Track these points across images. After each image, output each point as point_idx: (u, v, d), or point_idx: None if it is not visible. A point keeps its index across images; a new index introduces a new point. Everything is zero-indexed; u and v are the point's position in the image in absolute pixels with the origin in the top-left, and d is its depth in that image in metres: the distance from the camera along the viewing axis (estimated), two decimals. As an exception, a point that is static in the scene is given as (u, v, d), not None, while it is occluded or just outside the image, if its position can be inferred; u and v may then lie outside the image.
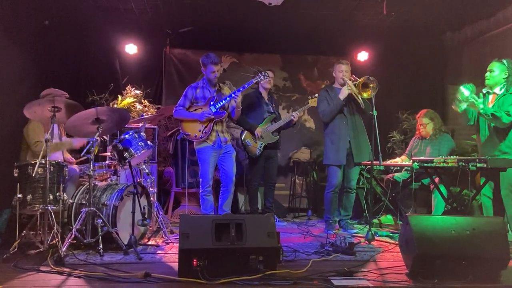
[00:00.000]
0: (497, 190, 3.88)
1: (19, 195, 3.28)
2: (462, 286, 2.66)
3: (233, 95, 4.41)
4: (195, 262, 2.64)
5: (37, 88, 4.29)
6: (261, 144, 4.96)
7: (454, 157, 3.94)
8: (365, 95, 4.34)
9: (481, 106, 3.76)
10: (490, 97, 3.92)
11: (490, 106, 3.86)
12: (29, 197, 3.31)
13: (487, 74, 3.92)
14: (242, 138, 5.05)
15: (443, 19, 5.74)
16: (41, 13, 4.92)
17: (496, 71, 3.86)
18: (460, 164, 3.73)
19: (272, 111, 5.16)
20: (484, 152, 4.04)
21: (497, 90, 3.88)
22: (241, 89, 4.48)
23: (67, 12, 5.30)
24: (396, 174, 5.04)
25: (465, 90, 3.81)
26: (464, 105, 3.87)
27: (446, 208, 4.35)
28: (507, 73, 3.83)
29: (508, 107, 3.74)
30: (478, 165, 3.57)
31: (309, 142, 6.52)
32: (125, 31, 6.05)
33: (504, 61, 3.87)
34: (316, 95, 4.94)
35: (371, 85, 4.23)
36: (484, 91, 3.94)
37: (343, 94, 4.43)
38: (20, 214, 3.35)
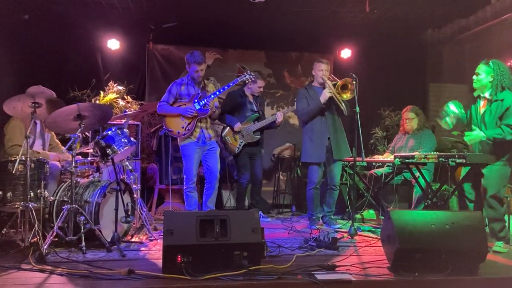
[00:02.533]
0: (477, 191, 3.85)
1: (-1, 193, 3.22)
2: (441, 279, 2.73)
3: (217, 93, 4.41)
4: (179, 258, 2.63)
5: (17, 83, 4.20)
6: (241, 142, 4.96)
7: (434, 153, 4.01)
8: (344, 96, 4.40)
9: (482, 134, 3.59)
10: (482, 102, 3.76)
11: (482, 110, 3.73)
12: (9, 194, 3.25)
13: (474, 77, 3.73)
14: (223, 134, 5.04)
15: (424, 17, 5.83)
16: (21, 7, 4.82)
17: (482, 74, 3.66)
18: (440, 160, 3.81)
19: (255, 110, 5.16)
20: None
21: (487, 94, 3.69)
22: (225, 87, 4.48)
23: (47, 6, 5.20)
24: (378, 170, 5.12)
25: (452, 106, 3.76)
26: (452, 120, 3.80)
27: (425, 203, 4.43)
28: (493, 77, 3.61)
29: (509, 120, 3.51)
30: (458, 160, 3.64)
31: (293, 138, 6.54)
32: (107, 26, 5.96)
33: (491, 63, 3.64)
34: None
35: (351, 87, 4.28)
36: (475, 94, 3.80)
37: (324, 97, 4.45)
38: (0, 211, 3.28)
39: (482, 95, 3.75)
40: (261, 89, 5.14)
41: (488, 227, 3.71)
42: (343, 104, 4.45)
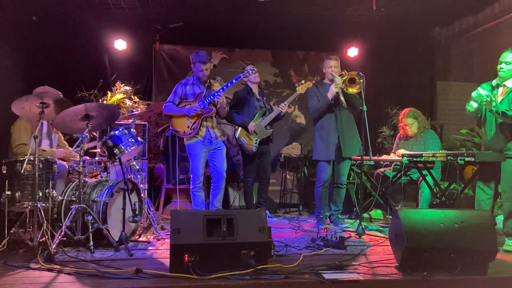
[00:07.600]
0: (496, 187, 3.78)
1: (8, 192, 3.23)
2: (450, 278, 2.70)
3: (221, 90, 4.41)
4: (186, 258, 2.64)
5: (25, 84, 4.23)
6: (256, 140, 4.93)
7: (443, 151, 3.97)
8: (352, 90, 4.37)
9: (494, 104, 3.50)
10: (500, 89, 3.66)
11: (500, 99, 3.64)
12: (17, 194, 3.27)
13: (502, 66, 3.59)
14: (236, 136, 4.98)
15: (432, 14, 5.78)
16: (29, 8, 4.86)
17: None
18: (448, 158, 3.77)
19: (263, 105, 5.15)
20: (490, 148, 3.75)
21: (508, 83, 3.61)
22: (229, 85, 4.48)
23: (55, 7, 5.24)
24: (386, 169, 5.08)
25: (482, 90, 3.57)
26: (474, 104, 3.69)
27: (434, 202, 4.39)
28: None
29: None
30: (466, 159, 3.61)
31: (299, 137, 6.54)
32: (114, 27, 5.99)
33: None
34: (303, 81, 4.93)
35: (360, 80, 4.26)
36: (493, 83, 3.70)
37: (331, 93, 4.44)
38: (8, 211, 3.31)
39: (501, 84, 3.66)
40: (257, 73, 4.94)
41: (503, 223, 3.66)
42: (343, 98, 4.38)
